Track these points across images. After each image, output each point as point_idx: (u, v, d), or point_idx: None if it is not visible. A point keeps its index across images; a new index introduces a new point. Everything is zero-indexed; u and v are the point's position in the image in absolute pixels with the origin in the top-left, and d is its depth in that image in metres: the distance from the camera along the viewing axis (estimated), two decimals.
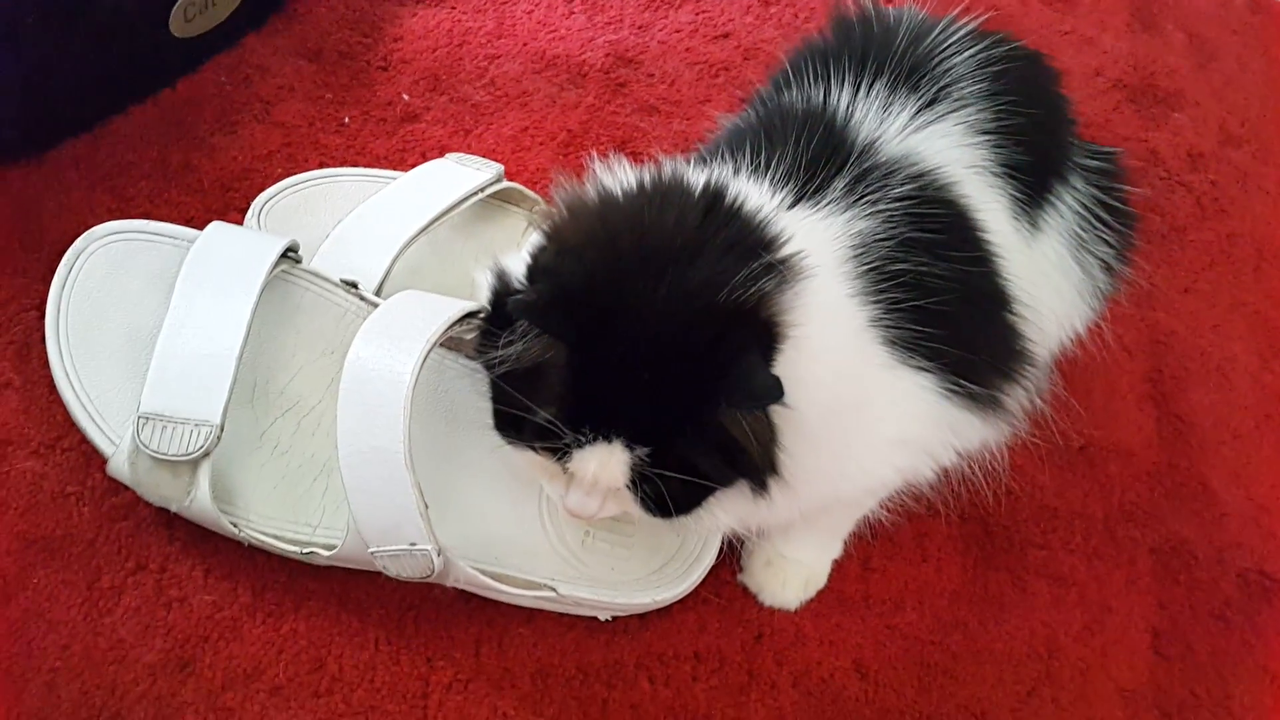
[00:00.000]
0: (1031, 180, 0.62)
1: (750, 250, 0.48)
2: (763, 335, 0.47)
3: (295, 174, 0.71)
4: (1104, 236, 0.65)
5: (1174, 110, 1.05)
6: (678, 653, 0.59)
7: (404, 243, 0.62)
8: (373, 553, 0.51)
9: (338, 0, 0.88)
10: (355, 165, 0.76)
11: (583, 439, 0.46)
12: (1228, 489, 0.75)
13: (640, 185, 0.51)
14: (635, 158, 0.80)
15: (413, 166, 0.74)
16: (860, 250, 0.53)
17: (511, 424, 0.48)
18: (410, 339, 0.50)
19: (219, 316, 0.54)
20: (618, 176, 0.52)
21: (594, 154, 0.54)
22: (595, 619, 0.58)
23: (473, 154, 0.77)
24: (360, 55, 0.85)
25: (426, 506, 0.49)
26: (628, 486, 0.48)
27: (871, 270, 0.53)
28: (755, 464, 0.49)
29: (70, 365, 0.57)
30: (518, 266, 0.50)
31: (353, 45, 0.86)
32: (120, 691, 0.53)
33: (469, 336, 0.53)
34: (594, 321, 0.46)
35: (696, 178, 0.52)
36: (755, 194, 0.53)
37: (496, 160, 0.73)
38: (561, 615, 0.58)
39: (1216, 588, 0.69)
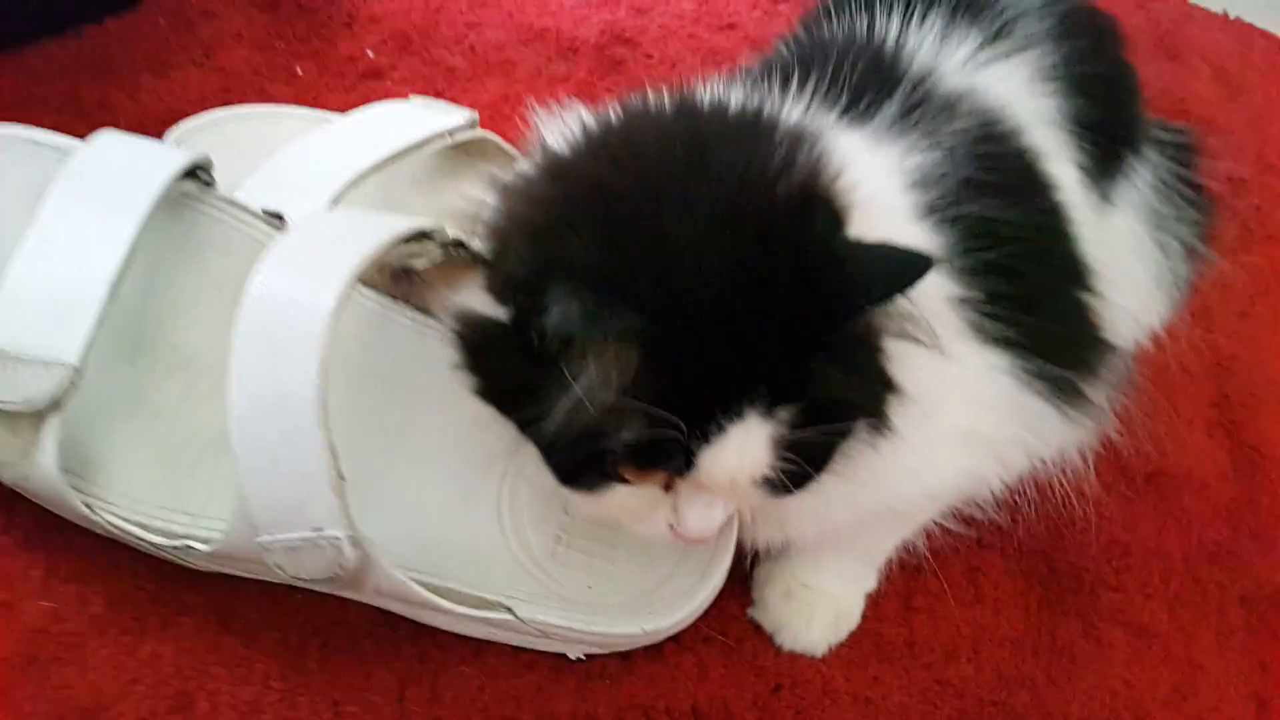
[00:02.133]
0: (1103, 142, 0.50)
1: (757, 132, 0.37)
2: (838, 215, 0.35)
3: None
4: (1185, 215, 0.53)
5: (1208, 136, 0.96)
6: (670, 706, 0.44)
7: (346, 182, 0.49)
8: (263, 543, 0.36)
9: None
10: None
11: (711, 430, 0.33)
12: None
13: (587, 130, 0.38)
14: None
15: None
16: (918, 184, 0.41)
17: (592, 462, 0.34)
18: (334, 261, 0.36)
19: (93, 236, 0.40)
20: (557, 130, 0.39)
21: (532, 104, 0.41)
22: (564, 656, 0.43)
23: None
24: (322, 9, 0.73)
25: (342, 478, 0.35)
26: (762, 480, 0.34)
27: (935, 211, 0.41)
28: (883, 375, 0.37)
29: None
30: (476, 299, 0.37)
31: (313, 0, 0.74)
32: None
33: (420, 265, 0.39)
34: (655, 286, 0.32)
35: (664, 97, 0.40)
36: (784, 107, 0.41)
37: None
38: (519, 650, 0.43)
39: None
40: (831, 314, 0.33)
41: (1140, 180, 0.52)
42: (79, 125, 0.59)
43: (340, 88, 0.67)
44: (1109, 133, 0.51)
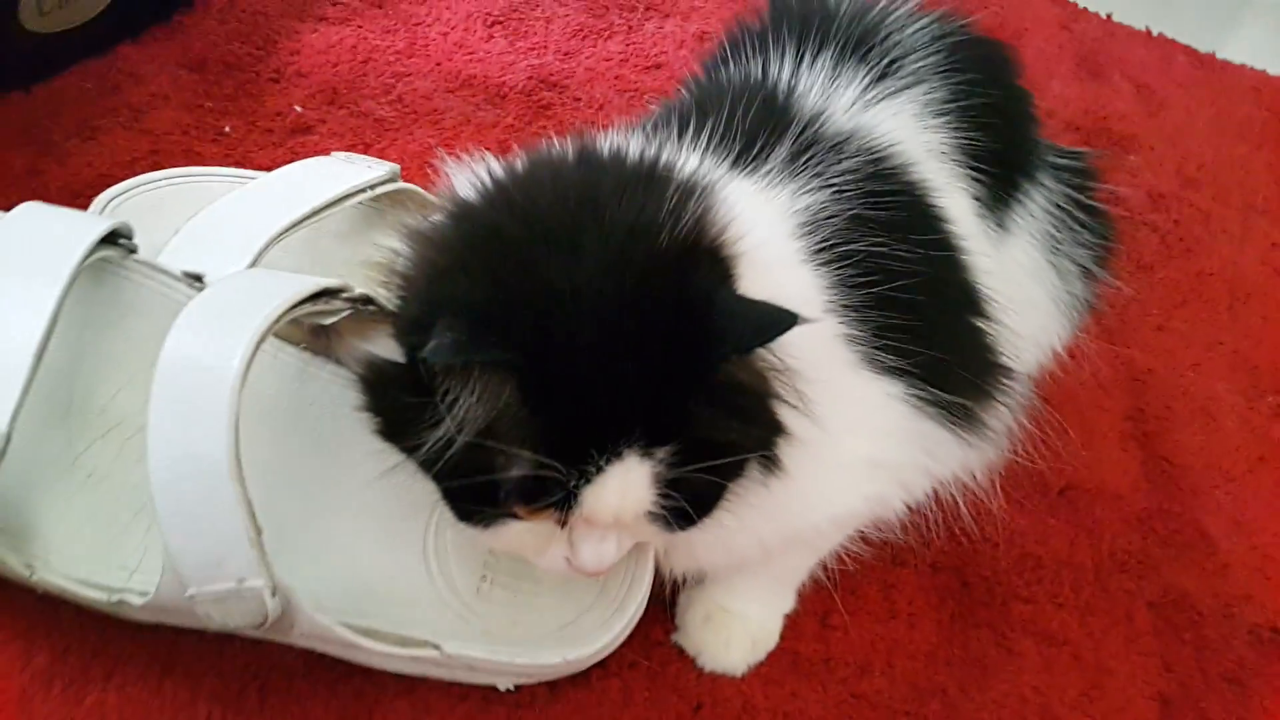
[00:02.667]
0: (997, 173, 0.54)
1: (651, 183, 0.40)
2: (719, 266, 0.38)
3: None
4: (1081, 238, 0.57)
5: (1129, 153, 1.02)
6: None
7: (269, 239, 0.52)
8: (192, 595, 0.39)
9: (229, 14, 0.81)
10: None
11: (590, 469, 0.36)
12: (1228, 537, 0.66)
13: (493, 177, 0.42)
14: None
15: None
16: (808, 225, 0.45)
17: (481, 498, 0.37)
18: (240, 322, 0.40)
19: (16, 306, 0.43)
20: (466, 179, 0.43)
21: (444, 156, 0.45)
22: (493, 688, 0.47)
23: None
24: (249, 66, 0.77)
25: (259, 531, 0.38)
26: (650, 515, 0.38)
27: (822, 248, 0.45)
28: (768, 417, 0.40)
29: None
30: (382, 346, 0.41)
31: (241, 57, 0.77)
32: None
33: (329, 322, 0.43)
34: (533, 324, 0.36)
35: (564, 146, 0.44)
36: (678, 156, 0.45)
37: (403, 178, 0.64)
38: (450, 684, 0.47)
39: (1227, 647, 0.60)
40: (700, 361, 0.36)
41: (1035, 206, 0.57)
42: (10, 192, 0.63)
43: (269, 144, 0.71)
44: (1002, 162, 0.55)
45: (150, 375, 0.41)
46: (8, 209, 0.56)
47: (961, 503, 0.53)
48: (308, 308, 0.41)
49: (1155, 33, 1.24)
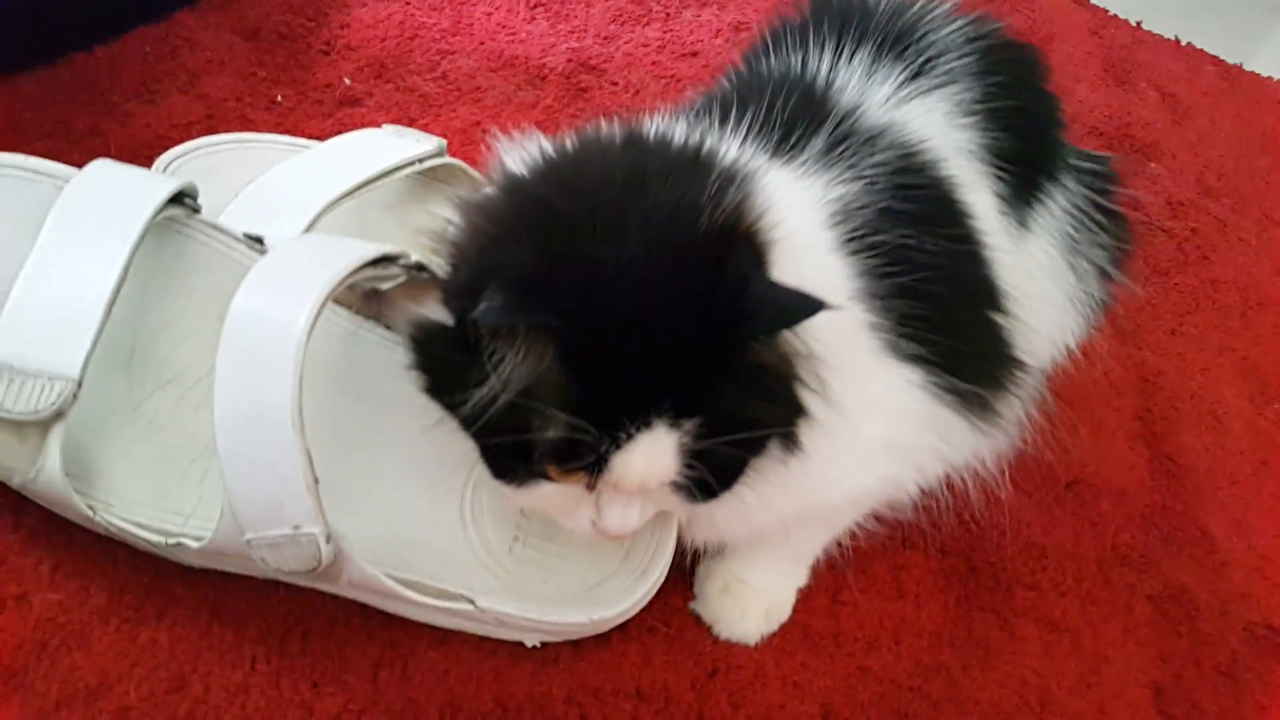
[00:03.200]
0: (1020, 172, 0.56)
1: (694, 168, 0.42)
2: (751, 248, 0.40)
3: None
4: (1099, 240, 0.59)
5: (1151, 160, 1.02)
6: (617, 688, 0.49)
7: (322, 207, 0.55)
8: (249, 540, 0.42)
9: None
10: None
11: (620, 435, 0.38)
12: (1228, 537, 0.68)
13: (545, 153, 0.44)
14: None
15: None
16: (839, 215, 0.47)
17: (517, 457, 0.40)
18: (307, 283, 0.42)
19: (90, 259, 0.46)
20: (517, 155, 0.45)
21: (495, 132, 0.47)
22: (520, 644, 0.49)
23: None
24: (301, 37, 0.79)
25: (316, 480, 0.41)
26: (674, 479, 0.40)
27: (852, 238, 0.47)
28: (793, 398, 0.42)
29: None
30: (433, 310, 0.42)
31: (294, 27, 0.79)
32: None
33: (386, 287, 0.45)
34: (576, 294, 0.38)
35: (614, 128, 0.45)
36: (720, 143, 0.47)
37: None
38: (481, 639, 0.49)
39: (1222, 641, 0.62)
40: (730, 340, 0.38)
41: (1056, 207, 0.58)
42: (71, 152, 0.65)
43: (319, 114, 0.73)
44: (1026, 162, 0.56)
45: (211, 330, 0.44)
46: (72, 166, 0.59)
47: (971, 489, 0.55)
48: (368, 272, 0.43)
49: (1184, 42, 1.24)
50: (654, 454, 0.39)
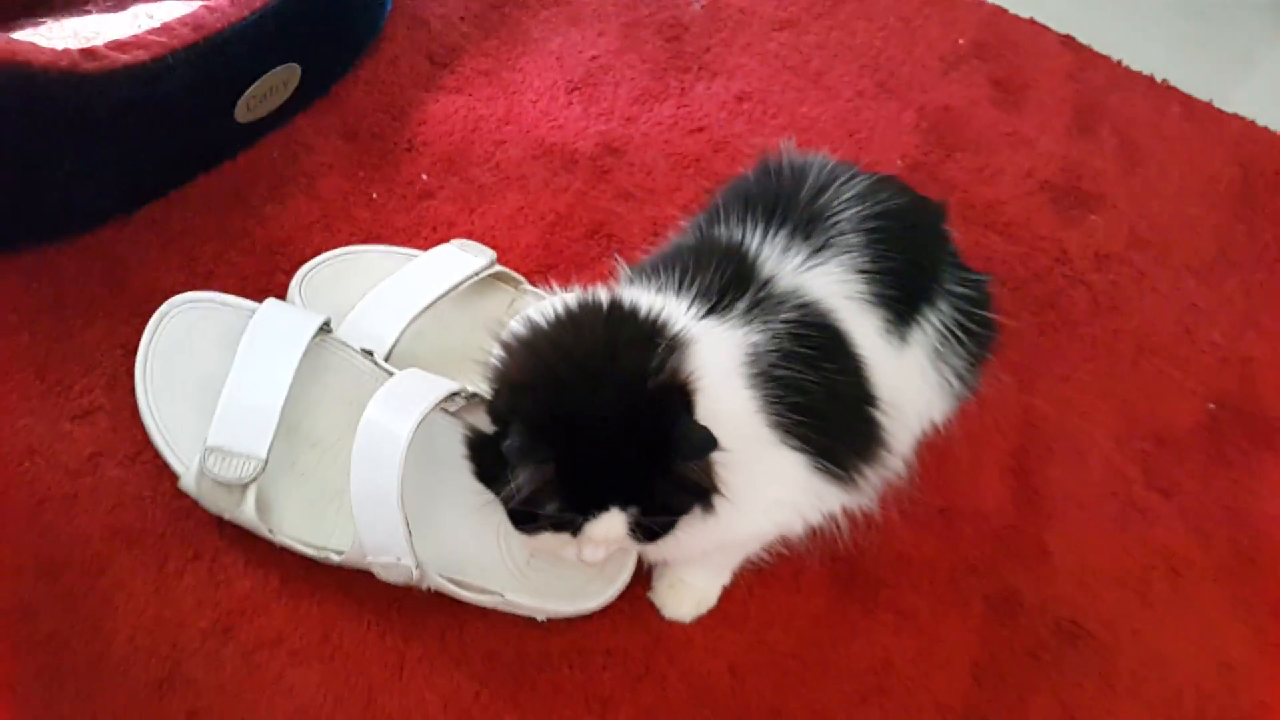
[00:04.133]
0: (901, 307, 0.81)
1: (648, 339, 0.68)
2: (683, 398, 0.67)
3: (330, 243, 0.93)
4: (958, 353, 0.84)
5: (1092, 211, 1.24)
6: (593, 648, 0.80)
7: (412, 317, 0.84)
8: (370, 561, 0.73)
9: (373, 86, 1.10)
10: (379, 236, 0.98)
11: (590, 516, 0.66)
12: (1062, 552, 0.95)
13: (555, 314, 0.70)
14: (607, 239, 1.02)
15: (426, 238, 0.97)
16: (752, 357, 0.74)
17: (529, 521, 0.68)
18: (410, 409, 0.72)
19: (270, 375, 0.76)
20: (540, 310, 0.71)
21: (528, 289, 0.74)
22: (534, 620, 0.80)
23: (476, 228, 0.99)
24: (389, 136, 1.06)
25: (410, 534, 0.71)
26: (629, 534, 0.68)
27: (760, 373, 0.74)
28: (705, 490, 0.69)
29: (151, 401, 0.79)
30: (480, 420, 0.70)
31: (383, 127, 1.07)
32: (180, 647, 0.76)
33: (452, 409, 0.74)
34: (565, 438, 0.65)
35: (600, 295, 0.72)
36: (671, 305, 0.73)
37: (494, 235, 0.95)
38: (508, 615, 0.80)
39: (1035, 632, 0.89)
40: (663, 462, 0.66)
41: (929, 326, 0.84)
42: (229, 250, 0.95)
43: (403, 208, 1.01)
44: (906, 298, 0.82)
45: (339, 412, 0.74)
46: (228, 260, 0.88)
47: (847, 523, 0.83)
48: (443, 402, 0.73)
49: (1161, 78, 1.42)
50: (610, 525, 0.67)
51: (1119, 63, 1.43)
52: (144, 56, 0.83)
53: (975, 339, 0.86)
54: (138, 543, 0.79)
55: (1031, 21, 1.43)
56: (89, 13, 1.00)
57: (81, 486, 0.80)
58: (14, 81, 0.77)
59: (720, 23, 1.29)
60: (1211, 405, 1.09)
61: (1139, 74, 1.42)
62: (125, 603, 0.76)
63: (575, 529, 0.67)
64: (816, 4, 1.36)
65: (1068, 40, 1.42)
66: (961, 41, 1.37)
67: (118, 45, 0.83)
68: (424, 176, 1.04)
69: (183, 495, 0.79)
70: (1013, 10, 1.44)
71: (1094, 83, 1.38)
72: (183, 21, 0.86)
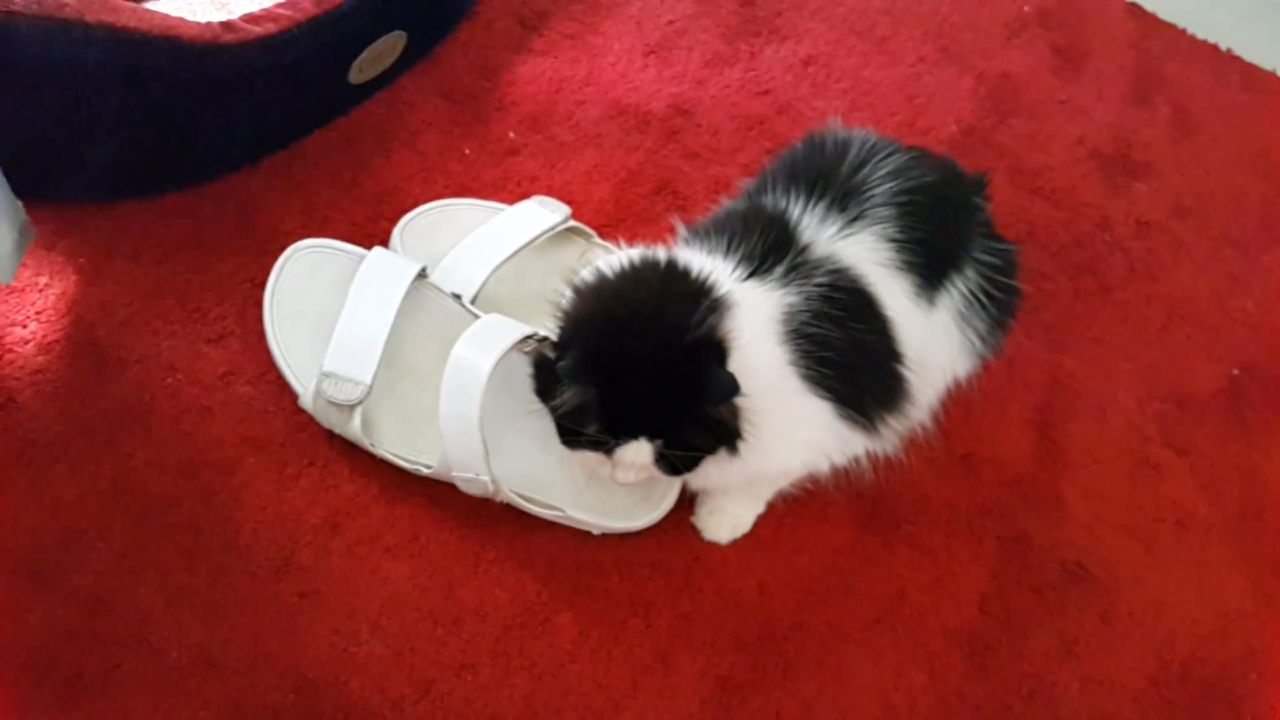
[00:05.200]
0: (928, 273, 0.88)
1: (696, 297, 0.76)
2: (718, 352, 0.75)
3: (428, 194, 1.04)
4: (982, 316, 0.90)
5: (1137, 180, 1.27)
6: (640, 560, 0.91)
7: (496, 265, 0.93)
8: (454, 475, 0.84)
9: (469, 48, 1.18)
10: (470, 188, 1.07)
11: (621, 441, 0.76)
12: (1075, 501, 1.01)
13: (620, 267, 0.79)
14: (672, 196, 1.10)
15: (510, 192, 1.06)
16: (787, 315, 0.81)
17: (573, 438, 0.78)
18: (491, 348, 0.82)
19: (376, 314, 0.87)
20: (608, 261, 0.80)
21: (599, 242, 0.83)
22: (589, 533, 0.90)
23: (555, 183, 1.08)
24: (481, 96, 1.15)
25: (488, 454, 0.81)
26: (654, 463, 0.78)
27: (793, 330, 0.81)
28: (730, 434, 0.78)
29: (276, 330, 0.90)
30: (547, 349, 0.80)
31: (477, 87, 1.15)
32: (295, 539, 0.88)
33: (527, 350, 0.84)
34: (610, 370, 0.74)
35: (660, 255, 0.80)
36: (718, 267, 0.81)
37: (571, 190, 1.03)
38: (568, 527, 0.90)
39: (1041, 570, 0.97)
40: (692, 404, 0.75)
41: (955, 291, 0.90)
42: (342, 198, 1.05)
43: (490, 164, 1.10)
44: (935, 264, 0.88)
45: (432, 345, 0.85)
46: (341, 207, 0.98)
47: (870, 465, 0.91)
48: (518, 345, 0.83)
49: (1225, 47, 1.42)
50: (638, 452, 0.76)
51: (1184, 31, 1.43)
52: (273, 28, 0.92)
53: (999, 304, 0.92)
54: (262, 449, 0.91)
55: None
56: None
57: (215, 400, 0.92)
58: (166, 51, 0.87)
59: None
60: (1236, 371, 1.13)
61: (1203, 42, 1.42)
62: (251, 500, 0.89)
63: (609, 450, 0.77)
64: None
65: (1133, 8, 1.43)
66: (1026, 8, 1.39)
67: (251, 19, 0.93)
68: (511, 134, 1.12)
69: (300, 411, 0.91)
70: None
71: (1154, 51, 1.39)
72: (296, 5, 0.95)
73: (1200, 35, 1.42)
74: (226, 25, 0.90)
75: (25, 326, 0.91)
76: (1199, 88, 1.36)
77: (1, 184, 0.84)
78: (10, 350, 0.90)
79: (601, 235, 1.04)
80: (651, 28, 1.25)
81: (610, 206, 1.09)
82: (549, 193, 1.06)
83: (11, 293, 0.92)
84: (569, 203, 1.02)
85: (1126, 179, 1.26)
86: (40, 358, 0.90)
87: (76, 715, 0.78)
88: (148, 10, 0.87)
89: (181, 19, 0.88)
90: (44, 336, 0.91)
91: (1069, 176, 1.24)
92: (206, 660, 0.81)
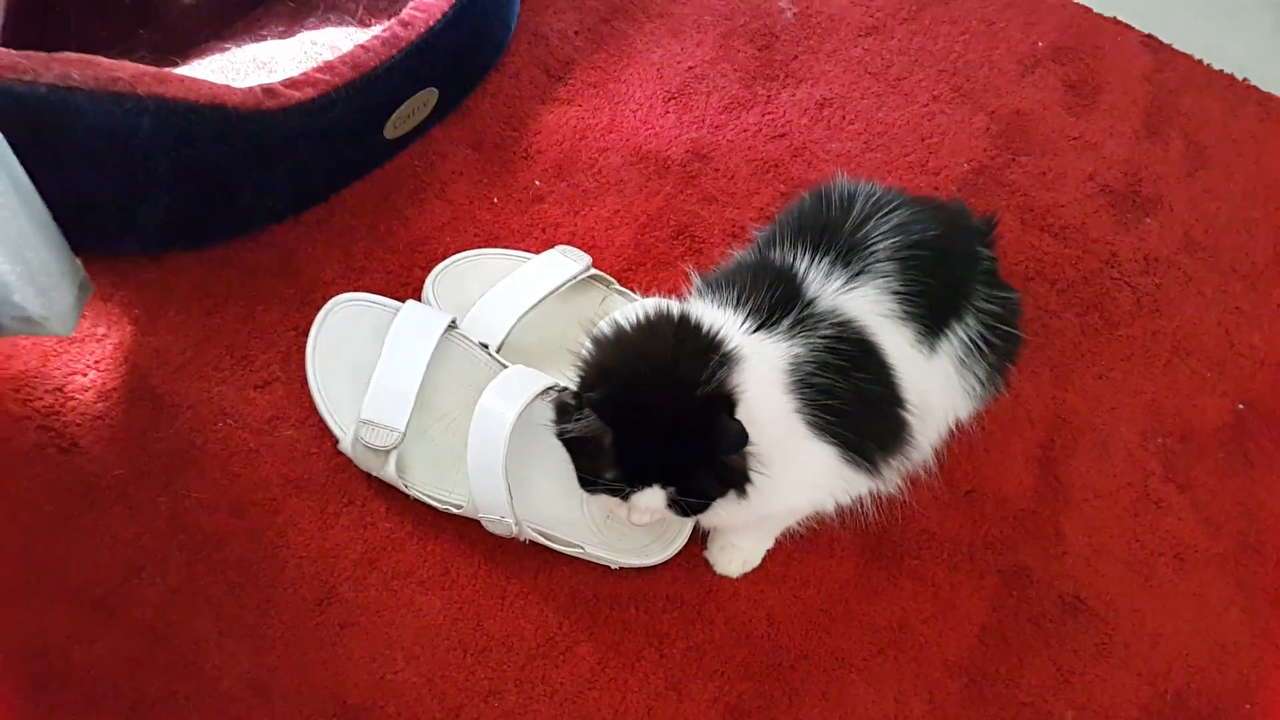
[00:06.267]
0: (929, 323, 0.93)
1: (707, 352, 0.82)
2: (727, 404, 0.81)
3: (458, 243, 1.10)
4: (981, 362, 0.95)
5: (1147, 215, 1.30)
6: (656, 593, 0.97)
7: (520, 314, 1.00)
8: (481, 516, 0.90)
9: (497, 99, 1.24)
10: (498, 236, 1.14)
11: (636, 487, 0.82)
12: (1075, 535, 1.06)
13: (636, 320, 0.84)
14: (690, 240, 1.15)
15: (536, 238, 1.12)
16: (793, 366, 0.87)
17: (590, 483, 0.84)
18: (515, 400, 0.88)
19: (409, 364, 0.93)
20: (625, 314, 0.86)
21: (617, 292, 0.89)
22: (608, 568, 0.97)
23: (579, 229, 1.14)
24: (509, 146, 1.21)
25: (512, 498, 0.88)
26: (667, 506, 0.83)
27: (799, 380, 0.87)
28: (740, 479, 0.83)
29: (318, 379, 0.97)
30: (564, 393, 0.86)
31: (505, 137, 1.22)
32: (336, 573, 0.95)
33: (549, 398, 0.91)
34: (626, 421, 0.80)
35: (673, 309, 0.85)
36: (729, 319, 0.87)
37: (593, 235, 1.10)
38: (589, 563, 0.96)
39: (1040, 603, 1.02)
40: (703, 454, 0.80)
41: (956, 339, 0.95)
42: (378, 248, 1.12)
43: (518, 212, 1.16)
44: (936, 314, 0.93)
45: (462, 392, 0.91)
46: (377, 257, 1.06)
47: (874, 504, 0.96)
48: (541, 395, 0.89)
49: (1242, 77, 1.45)
50: (652, 498, 0.82)
51: (1200, 61, 1.45)
52: (312, 94, 0.99)
53: (999, 350, 0.96)
54: (305, 490, 0.98)
55: (1115, 20, 1.47)
56: (264, 39, 1.18)
57: (262, 443, 0.99)
58: (213, 118, 0.95)
59: (809, 30, 1.38)
60: (1240, 405, 1.16)
61: (1219, 73, 1.44)
62: (295, 537, 0.96)
63: (625, 495, 0.83)
64: (902, 9, 1.43)
65: (1149, 40, 1.45)
66: (1040, 44, 1.42)
67: (292, 83, 1.00)
68: (537, 182, 1.19)
69: (340, 454, 0.98)
70: (1097, 9, 1.47)
71: (1169, 84, 1.41)
72: (343, 60, 1.02)
73: (1217, 65, 1.45)
74: (268, 91, 0.98)
75: (85, 375, 0.99)
76: (1213, 119, 1.39)
77: (61, 242, 0.91)
78: (72, 398, 0.98)
79: (621, 280, 1.10)
80: (672, 74, 1.30)
81: (630, 251, 1.15)
82: (572, 238, 1.13)
83: (72, 344, 1.00)
84: (590, 248, 1.08)
85: (1136, 214, 1.29)
86: (100, 404, 0.98)
87: None
88: (195, 80, 0.94)
89: (227, 87, 0.96)
90: (103, 384, 0.99)
91: (1079, 213, 1.28)
92: (256, 687, 0.89)
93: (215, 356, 1.03)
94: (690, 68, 1.31)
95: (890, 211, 0.94)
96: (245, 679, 0.89)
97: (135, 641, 0.89)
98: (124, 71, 0.89)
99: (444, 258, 1.08)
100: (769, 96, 1.31)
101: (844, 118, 1.31)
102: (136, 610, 0.90)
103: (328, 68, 1.02)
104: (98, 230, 1.01)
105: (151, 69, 0.90)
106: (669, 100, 1.28)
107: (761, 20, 1.38)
